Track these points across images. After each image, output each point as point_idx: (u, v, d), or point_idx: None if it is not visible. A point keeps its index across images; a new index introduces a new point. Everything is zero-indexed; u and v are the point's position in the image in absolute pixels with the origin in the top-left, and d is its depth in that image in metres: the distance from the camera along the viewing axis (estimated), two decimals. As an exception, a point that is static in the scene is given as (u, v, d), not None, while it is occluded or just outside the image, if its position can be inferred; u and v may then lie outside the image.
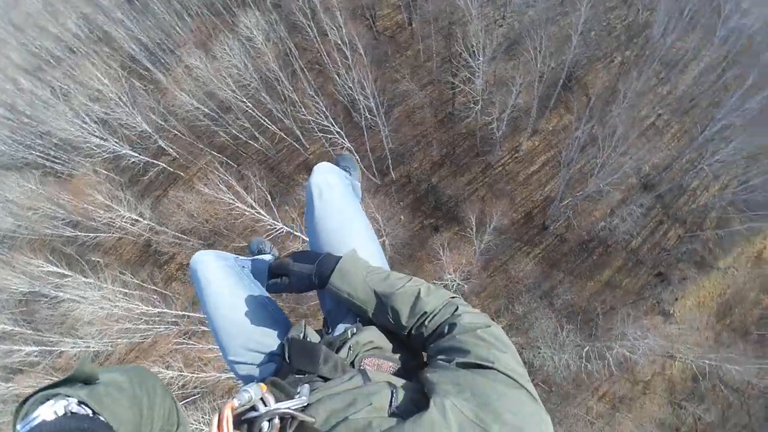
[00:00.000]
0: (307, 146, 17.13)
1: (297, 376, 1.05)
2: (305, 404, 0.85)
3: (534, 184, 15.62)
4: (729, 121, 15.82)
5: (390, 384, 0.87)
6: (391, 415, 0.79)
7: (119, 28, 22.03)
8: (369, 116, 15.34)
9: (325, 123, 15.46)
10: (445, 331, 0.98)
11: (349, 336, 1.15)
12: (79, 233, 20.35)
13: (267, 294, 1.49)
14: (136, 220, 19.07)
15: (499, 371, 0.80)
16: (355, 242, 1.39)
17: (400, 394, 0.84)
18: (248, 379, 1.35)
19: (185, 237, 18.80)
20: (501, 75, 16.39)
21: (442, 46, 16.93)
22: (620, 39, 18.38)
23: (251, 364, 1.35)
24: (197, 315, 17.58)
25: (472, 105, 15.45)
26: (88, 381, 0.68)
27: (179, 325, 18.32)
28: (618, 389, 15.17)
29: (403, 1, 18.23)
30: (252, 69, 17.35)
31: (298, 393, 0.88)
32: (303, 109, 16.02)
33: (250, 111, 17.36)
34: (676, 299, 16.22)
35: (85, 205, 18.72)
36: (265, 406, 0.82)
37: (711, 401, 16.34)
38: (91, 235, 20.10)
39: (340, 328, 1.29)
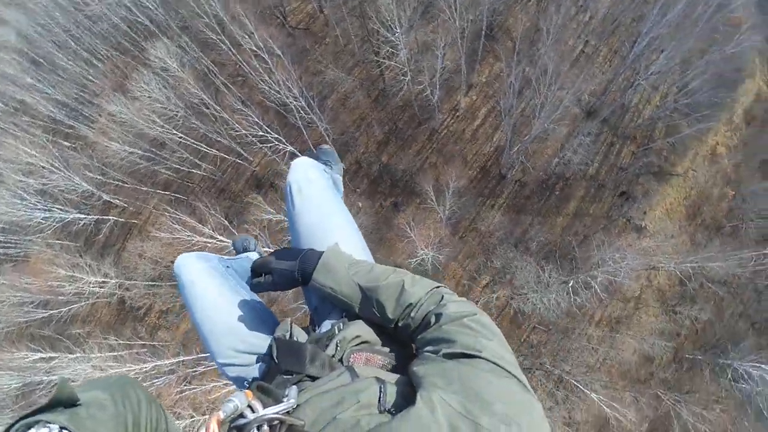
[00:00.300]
0: (251, 159, 16.69)
1: (285, 376, 1.04)
2: (294, 406, 0.84)
3: (481, 138, 15.58)
4: (656, 33, 16.05)
5: (378, 379, 0.86)
6: (381, 411, 0.77)
7: (33, 94, 20.98)
8: (303, 114, 14.99)
9: (261, 132, 15.08)
10: (432, 321, 0.97)
11: (336, 332, 1.15)
12: (52, 311, 19.58)
13: (253, 294, 1.46)
14: (104, 282, 18.50)
15: (486, 360, 0.79)
16: (337, 236, 1.37)
17: (390, 389, 0.82)
18: (239, 381, 1.35)
19: (156, 284, 18.26)
20: (423, 40, 16.20)
21: (358, 26, 16.63)
22: (531, -23, 18.39)
23: (241, 365, 1.33)
24: (191, 357, 17.17)
25: (401, 77, 15.25)
26: (68, 404, 0.67)
27: (177, 372, 17.87)
28: (612, 311, 15.43)
29: (309, -9, 17.83)
30: (175, 98, 16.76)
31: (286, 395, 0.87)
32: (236, 125, 15.56)
33: (184, 141, 16.78)
34: (645, 213, 16.52)
35: (50, 282, 18.14)
36: (253, 413, 0.81)
37: (702, 300, 16.79)
38: (64, 310, 19.40)
39: (327, 324, 1.28)
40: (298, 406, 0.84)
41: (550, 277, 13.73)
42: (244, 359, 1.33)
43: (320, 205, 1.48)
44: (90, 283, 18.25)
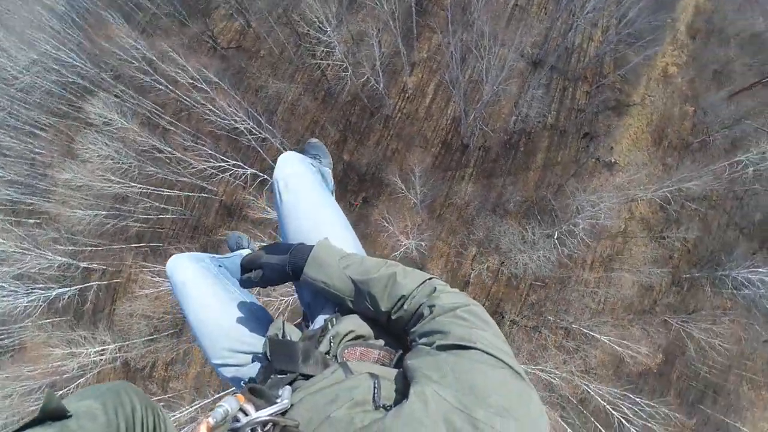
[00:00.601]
0: (215, 190, 16.44)
1: (279, 376, 1.03)
2: (287, 407, 0.82)
3: (436, 113, 15.47)
4: (584, -30, 15.98)
5: (372, 375, 0.84)
6: (377, 407, 0.76)
7: (-17, 180, 20.41)
8: (256, 134, 14.75)
9: (219, 162, 14.83)
10: (425, 313, 0.96)
11: (329, 327, 1.13)
12: (61, 391, 19.34)
13: (246, 292, 1.45)
14: (103, 350, 18.28)
15: (481, 351, 0.77)
16: (327, 230, 1.37)
17: (384, 385, 0.81)
18: (235, 381, 1.33)
19: (154, 337, 18.03)
20: (356, 31, 15.99)
21: (289, 33, 16.35)
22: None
23: (236, 365, 1.32)
24: (208, 400, 17.04)
25: (343, 73, 15.04)
26: (57, 416, 0.66)
27: (198, 418, 17.75)
28: (602, 251, 15.54)
29: (232, 7, 17.46)
30: (125, 150, 16.41)
31: (279, 396, 0.85)
32: (191, 161, 15.28)
33: (145, 190, 16.45)
34: (611, 148, 16.60)
35: (51, 364, 17.93)
36: (246, 416, 0.79)
37: (687, 220, 16.99)
38: (72, 387, 19.15)
39: (320, 320, 1.27)
40: (291, 406, 0.83)
41: (534, 235, 13.73)
42: (239, 359, 1.33)
43: (309, 199, 1.46)
44: (90, 354, 18.08)
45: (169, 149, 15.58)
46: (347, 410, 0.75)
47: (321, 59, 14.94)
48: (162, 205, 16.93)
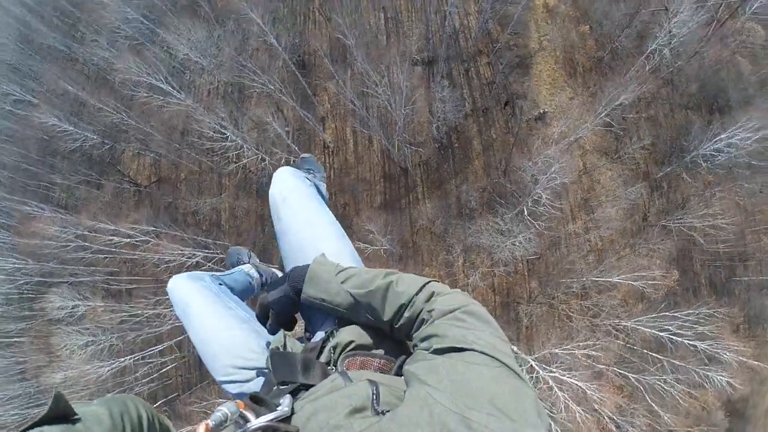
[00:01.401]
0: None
1: (281, 387, 1.04)
2: (288, 415, 0.83)
3: (364, 155, 15.50)
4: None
5: (371, 381, 0.84)
6: (376, 413, 0.76)
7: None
8: (213, 255, 14.63)
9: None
10: (425, 319, 0.97)
11: (330, 339, 1.16)
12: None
13: (247, 308, 1.48)
14: None
15: (477, 351, 0.78)
16: (323, 245, 1.39)
17: (383, 391, 0.81)
18: (241, 397, 1.28)
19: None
20: (257, 119, 15.97)
21: (197, 152, 16.32)
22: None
23: (241, 381, 1.35)
24: None
25: (261, 163, 15.00)
26: (65, 418, 0.67)
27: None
28: (574, 200, 15.57)
29: (137, 146, 17.38)
30: (100, 330, 16.15)
31: (280, 405, 0.86)
32: (164, 311, 15.07)
33: (136, 355, 16.14)
34: (535, 102, 16.74)
35: None
36: (246, 422, 0.81)
37: (635, 129, 17.16)
38: None
39: (320, 333, 1.29)
40: (293, 414, 0.84)
41: (505, 222, 13.70)
42: (243, 375, 1.35)
43: (305, 212, 1.51)
44: None
45: (140, 310, 15.35)
46: (346, 417, 0.75)
47: (237, 161, 14.91)
48: (160, 360, 16.61)
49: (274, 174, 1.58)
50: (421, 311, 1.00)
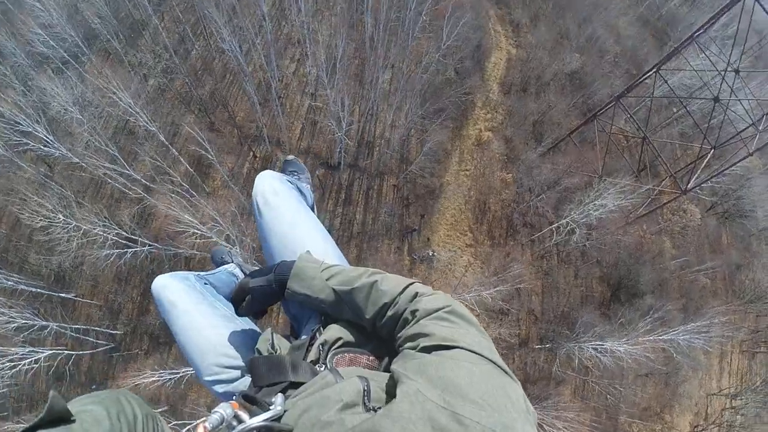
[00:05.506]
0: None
1: (271, 386, 1.04)
2: (281, 414, 0.83)
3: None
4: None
5: (362, 378, 0.85)
6: (367, 409, 0.77)
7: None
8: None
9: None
10: (408, 318, 0.99)
11: (317, 336, 1.16)
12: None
13: (232, 307, 1.45)
14: None
15: (465, 349, 0.80)
16: (308, 244, 1.40)
17: (374, 387, 0.82)
18: (227, 397, 1.33)
19: None
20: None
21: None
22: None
23: (227, 381, 1.35)
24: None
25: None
26: (62, 419, 0.68)
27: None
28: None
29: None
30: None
31: (272, 404, 0.87)
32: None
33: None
34: (429, 238, 15.99)
35: None
36: (240, 423, 0.82)
37: (528, 296, 16.22)
38: None
39: (307, 330, 1.30)
40: (285, 412, 0.84)
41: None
42: (230, 374, 1.35)
43: (287, 213, 1.50)
44: None
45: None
46: (338, 412, 0.75)
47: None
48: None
49: (257, 177, 1.57)
50: (404, 311, 1.02)
